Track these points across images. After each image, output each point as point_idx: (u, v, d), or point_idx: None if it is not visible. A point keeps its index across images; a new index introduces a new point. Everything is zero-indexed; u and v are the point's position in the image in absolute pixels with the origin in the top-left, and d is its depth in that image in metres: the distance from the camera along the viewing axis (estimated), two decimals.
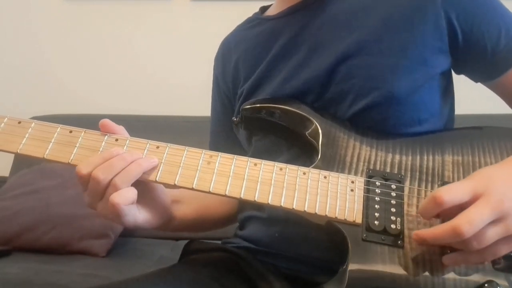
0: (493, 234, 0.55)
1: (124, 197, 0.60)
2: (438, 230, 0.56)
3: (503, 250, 0.57)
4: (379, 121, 0.73)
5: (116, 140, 0.66)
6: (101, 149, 0.65)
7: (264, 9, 0.93)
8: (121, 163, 0.62)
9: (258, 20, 0.90)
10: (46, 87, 2.14)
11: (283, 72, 0.80)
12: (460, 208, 0.56)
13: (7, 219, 1.47)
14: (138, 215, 0.65)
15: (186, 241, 0.88)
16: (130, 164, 0.62)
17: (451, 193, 0.56)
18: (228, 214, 0.90)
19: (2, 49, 2.16)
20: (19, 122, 0.66)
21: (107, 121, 0.67)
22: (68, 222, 1.46)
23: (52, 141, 0.65)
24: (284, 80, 0.79)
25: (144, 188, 0.66)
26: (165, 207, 0.71)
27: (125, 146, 0.65)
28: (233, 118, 0.83)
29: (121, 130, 0.67)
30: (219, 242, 0.88)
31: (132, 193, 0.62)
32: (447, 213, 0.58)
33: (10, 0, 2.15)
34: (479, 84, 0.81)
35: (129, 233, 1.63)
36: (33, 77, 2.15)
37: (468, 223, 0.54)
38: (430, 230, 0.58)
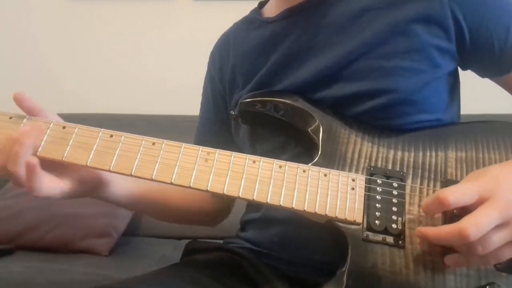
0: (498, 239, 0.54)
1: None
2: (443, 231, 0.55)
3: (507, 255, 0.56)
4: (384, 120, 0.71)
5: (111, 136, 0.64)
6: (95, 146, 0.63)
7: (262, 4, 0.90)
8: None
9: (258, 22, 0.86)
10: (48, 86, 2.13)
11: (284, 78, 0.78)
12: (464, 208, 0.55)
13: (10, 218, 1.48)
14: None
15: (188, 241, 0.87)
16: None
17: (457, 195, 0.55)
18: (199, 210, 0.87)
19: (3, 48, 2.16)
20: (10, 118, 0.65)
21: (20, 94, 0.64)
22: (71, 221, 1.46)
23: (45, 138, 0.63)
24: (285, 87, 0.77)
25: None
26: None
27: (120, 143, 0.63)
28: (231, 112, 0.81)
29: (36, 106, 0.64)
30: (221, 241, 0.87)
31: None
32: (451, 212, 0.57)
33: None
34: (483, 84, 0.80)
35: (132, 232, 1.63)
36: (35, 76, 2.14)
37: (475, 226, 0.53)
38: (434, 229, 0.57)
